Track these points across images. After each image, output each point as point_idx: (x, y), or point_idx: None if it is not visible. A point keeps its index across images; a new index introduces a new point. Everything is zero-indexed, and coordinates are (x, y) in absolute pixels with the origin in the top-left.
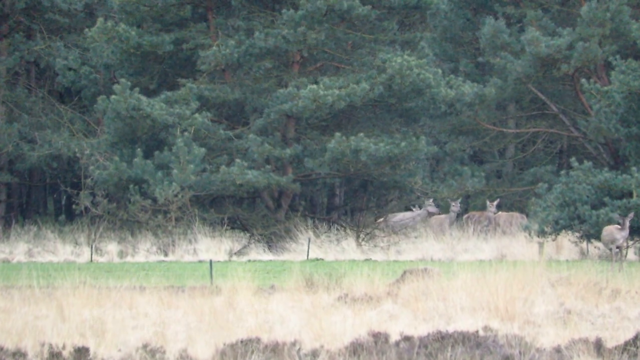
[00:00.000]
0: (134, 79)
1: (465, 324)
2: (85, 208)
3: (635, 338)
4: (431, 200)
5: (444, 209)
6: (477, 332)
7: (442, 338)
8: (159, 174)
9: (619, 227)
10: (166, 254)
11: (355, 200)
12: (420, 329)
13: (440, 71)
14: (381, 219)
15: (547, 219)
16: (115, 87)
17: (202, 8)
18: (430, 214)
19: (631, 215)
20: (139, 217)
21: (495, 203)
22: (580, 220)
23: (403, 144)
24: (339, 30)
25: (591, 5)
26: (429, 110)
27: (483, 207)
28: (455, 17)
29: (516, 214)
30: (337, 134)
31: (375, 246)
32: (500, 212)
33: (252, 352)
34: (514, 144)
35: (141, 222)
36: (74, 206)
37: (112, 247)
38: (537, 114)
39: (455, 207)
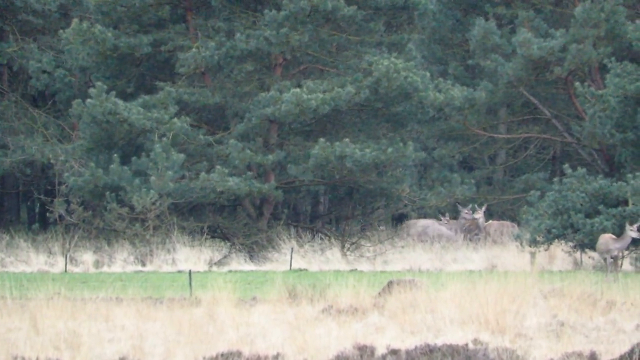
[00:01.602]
0: (111, 82)
1: (455, 336)
2: (60, 216)
3: (631, 352)
4: (469, 207)
5: (433, 217)
6: (466, 345)
7: (430, 351)
8: (136, 180)
9: (614, 236)
10: (144, 264)
11: (340, 209)
12: (407, 342)
13: (428, 74)
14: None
15: (539, 228)
16: (91, 90)
17: (181, 8)
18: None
19: (634, 226)
20: (115, 226)
21: (482, 209)
22: (573, 229)
23: (390, 149)
24: (323, 32)
25: (585, 6)
26: (417, 115)
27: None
28: (444, 18)
29: (507, 223)
30: (322, 140)
31: (361, 256)
32: (491, 221)
33: None
34: (505, 149)
35: (118, 230)
36: (47, 214)
37: (87, 257)
38: (529, 118)
39: (468, 214)
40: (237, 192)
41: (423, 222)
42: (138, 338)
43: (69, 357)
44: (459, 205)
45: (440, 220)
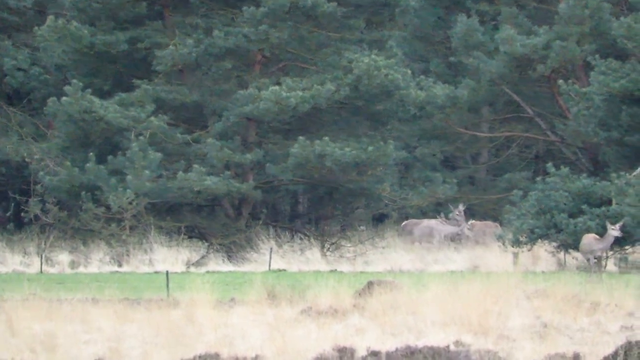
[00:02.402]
0: (87, 79)
1: (436, 338)
2: (35, 216)
3: (615, 353)
4: (459, 208)
5: (413, 217)
6: (448, 347)
7: (411, 353)
8: (112, 180)
9: (598, 237)
10: (120, 265)
11: (320, 208)
12: (388, 344)
13: (409, 72)
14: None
15: (522, 228)
16: (67, 88)
17: (158, 5)
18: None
19: (616, 226)
20: (91, 226)
21: (460, 207)
22: (557, 229)
23: (370, 148)
24: (303, 29)
25: (569, 3)
26: (398, 113)
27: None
28: (426, 15)
29: (490, 223)
30: (301, 138)
31: (341, 256)
32: (473, 221)
33: None
34: (488, 148)
35: (94, 230)
36: (23, 214)
37: (63, 257)
38: (512, 117)
39: (460, 215)
40: (215, 191)
41: (427, 223)
42: (115, 340)
43: (44, 359)
44: (450, 206)
45: (439, 219)
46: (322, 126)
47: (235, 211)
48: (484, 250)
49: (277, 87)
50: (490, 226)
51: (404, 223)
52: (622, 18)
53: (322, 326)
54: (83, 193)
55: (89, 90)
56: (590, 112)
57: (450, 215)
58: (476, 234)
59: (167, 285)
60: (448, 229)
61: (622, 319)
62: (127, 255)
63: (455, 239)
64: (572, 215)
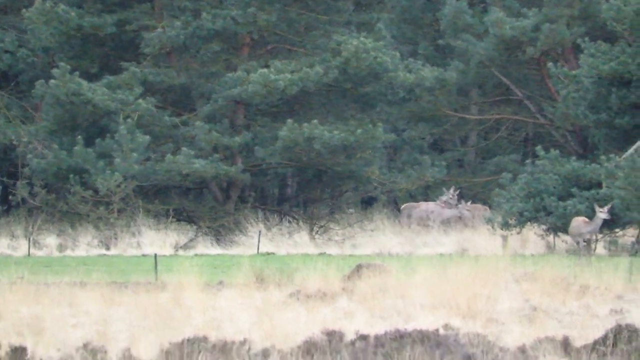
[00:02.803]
0: (75, 62)
1: (425, 322)
2: (23, 199)
3: (605, 337)
4: (453, 191)
5: (402, 200)
6: (437, 330)
7: (400, 337)
8: (100, 163)
9: (587, 220)
10: (108, 248)
11: (308, 191)
12: (377, 328)
13: (398, 54)
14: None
15: (511, 211)
16: (55, 71)
17: None
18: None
19: (605, 209)
20: (79, 209)
21: (451, 191)
22: (546, 212)
23: (359, 131)
24: (291, 11)
25: None
26: (387, 96)
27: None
28: None
29: (479, 206)
30: (289, 121)
31: (329, 240)
32: (429, 202)
33: (199, 351)
34: (477, 131)
35: (82, 214)
36: (10, 197)
37: (51, 241)
38: (501, 99)
39: (453, 198)
40: (204, 174)
41: (425, 206)
42: (102, 323)
43: (32, 342)
44: (444, 189)
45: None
46: (310, 109)
47: (224, 194)
48: (473, 233)
49: (265, 70)
50: (479, 209)
51: (403, 206)
52: (611, 0)
53: (311, 309)
54: (71, 176)
55: (77, 72)
56: (580, 95)
57: (444, 197)
58: (465, 217)
59: (155, 269)
60: (447, 212)
61: (611, 302)
62: (115, 238)
63: (452, 221)
64: (561, 198)
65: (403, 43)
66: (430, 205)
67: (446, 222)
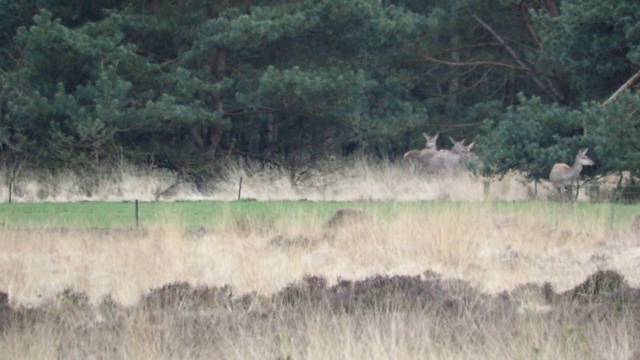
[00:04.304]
0: (56, 8)
1: (406, 268)
2: (4, 145)
3: (587, 283)
4: (463, 141)
5: (383, 146)
6: (418, 277)
7: (381, 283)
8: (81, 109)
9: (567, 166)
10: (89, 194)
11: (289, 137)
12: (358, 274)
13: (379, 0)
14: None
15: (492, 157)
16: (36, 17)
17: None
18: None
19: (582, 153)
20: (60, 155)
21: (434, 138)
22: (528, 158)
23: (340, 77)
24: None
25: None
26: (368, 42)
27: (424, 145)
28: None
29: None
30: (271, 67)
31: (310, 186)
32: (443, 150)
33: (180, 297)
34: (458, 77)
35: (63, 160)
36: None
37: (31, 187)
38: (482, 46)
39: (431, 142)
40: (185, 120)
41: (440, 154)
42: (83, 269)
43: (13, 288)
44: (451, 139)
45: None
46: (291, 55)
47: (205, 140)
48: (454, 180)
49: (246, 16)
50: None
51: (407, 153)
52: None
53: (292, 256)
54: (52, 122)
55: (58, 19)
56: (561, 41)
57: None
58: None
59: (136, 215)
60: (456, 157)
61: (592, 248)
62: (96, 184)
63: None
64: (542, 145)
65: None
66: (444, 153)
67: (457, 167)
